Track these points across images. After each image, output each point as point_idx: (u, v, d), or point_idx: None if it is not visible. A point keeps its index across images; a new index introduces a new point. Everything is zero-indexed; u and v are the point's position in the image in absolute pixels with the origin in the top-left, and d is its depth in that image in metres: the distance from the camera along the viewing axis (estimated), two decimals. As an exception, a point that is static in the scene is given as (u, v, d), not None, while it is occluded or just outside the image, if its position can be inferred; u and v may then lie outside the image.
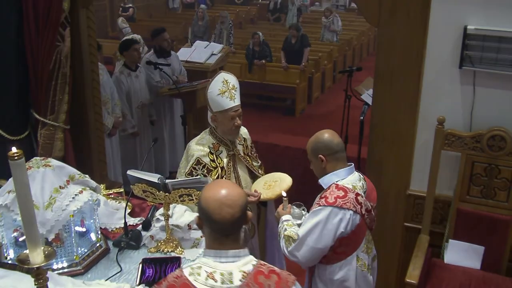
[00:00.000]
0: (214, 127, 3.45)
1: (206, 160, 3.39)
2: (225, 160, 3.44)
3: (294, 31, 9.89)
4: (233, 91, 3.33)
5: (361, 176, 2.99)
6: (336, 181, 2.87)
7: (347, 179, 2.88)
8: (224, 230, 1.99)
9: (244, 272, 1.96)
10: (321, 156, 2.88)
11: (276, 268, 2.04)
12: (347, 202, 2.77)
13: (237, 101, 3.35)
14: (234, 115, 3.34)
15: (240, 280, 1.94)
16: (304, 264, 2.96)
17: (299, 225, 3.00)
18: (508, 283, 3.50)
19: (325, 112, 9.46)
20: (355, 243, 2.91)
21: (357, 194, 2.83)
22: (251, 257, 2.04)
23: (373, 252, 3.09)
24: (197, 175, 3.33)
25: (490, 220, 3.59)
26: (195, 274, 1.96)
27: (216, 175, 3.39)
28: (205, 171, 3.37)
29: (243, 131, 3.66)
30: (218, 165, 3.42)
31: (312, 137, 2.97)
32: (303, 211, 3.15)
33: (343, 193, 2.80)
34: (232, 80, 3.36)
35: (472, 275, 3.54)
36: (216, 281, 1.93)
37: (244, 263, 1.99)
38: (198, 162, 3.39)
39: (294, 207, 3.15)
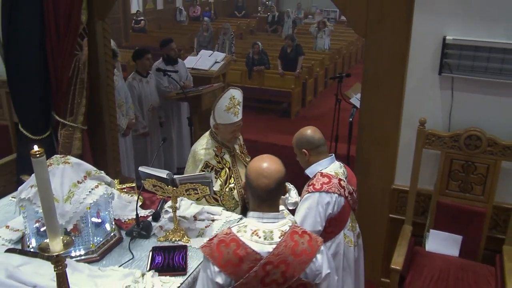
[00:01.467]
0: (215, 132, 3.44)
1: (213, 162, 3.39)
2: (229, 160, 3.44)
3: (290, 41, 9.89)
4: (238, 106, 3.33)
5: (341, 164, 3.05)
6: (320, 170, 2.92)
7: (330, 168, 2.94)
8: (260, 196, 2.14)
9: (282, 231, 2.10)
10: (304, 150, 2.96)
11: (307, 230, 2.20)
12: (332, 186, 2.84)
13: (239, 116, 3.35)
14: (235, 129, 3.37)
15: (279, 237, 2.09)
16: None
17: (293, 207, 3.06)
18: (484, 269, 3.49)
19: (318, 114, 9.45)
20: (341, 222, 2.97)
21: (340, 180, 2.89)
22: (288, 219, 2.19)
23: (357, 230, 3.14)
24: None
25: (467, 212, 3.58)
26: (242, 231, 2.11)
27: (225, 175, 3.38)
28: (214, 172, 3.37)
29: None
30: (224, 165, 3.41)
31: (296, 133, 3.03)
32: (289, 185, 3.15)
33: (327, 180, 2.86)
34: (238, 96, 3.35)
35: (451, 262, 3.54)
36: (259, 237, 2.08)
37: (282, 224, 2.14)
38: (207, 165, 3.38)
39: None
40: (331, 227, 2.90)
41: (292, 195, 3.21)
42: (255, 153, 3.85)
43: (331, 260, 2.27)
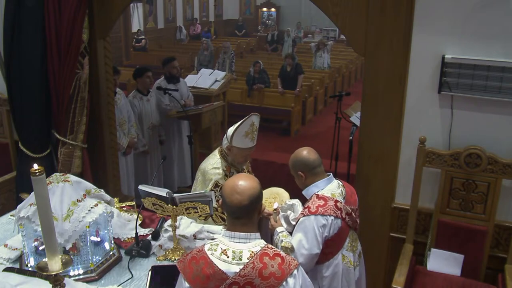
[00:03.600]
0: (225, 152, 3.45)
1: (223, 182, 3.38)
2: None
3: (290, 59, 9.94)
4: (255, 132, 3.38)
5: (340, 183, 3.01)
6: (316, 192, 2.90)
7: (326, 189, 2.91)
8: (233, 213, 2.16)
9: (252, 252, 2.10)
10: (299, 172, 2.93)
11: (282, 253, 2.17)
12: (328, 209, 2.80)
13: (255, 142, 3.40)
14: (248, 154, 3.41)
15: (248, 258, 2.08)
16: (305, 269, 2.93)
17: (295, 219, 2.97)
18: (485, 288, 3.46)
19: (318, 132, 9.47)
20: (339, 244, 2.92)
21: (336, 201, 2.85)
22: (262, 241, 2.18)
23: (358, 250, 3.09)
24: (217, 197, 3.32)
25: (468, 230, 3.56)
26: (212, 250, 2.14)
27: None
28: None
29: None
30: None
31: (292, 155, 3.00)
32: (291, 202, 3.09)
33: (323, 202, 2.83)
34: (257, 122, 3.39)
35: (453, 281, 3.50)
36: (228, 257, 2.10)
37: (254, 245, 2.14)
38: (216, 185, 3.40)
39: (283, 205, 3.09)
40: (328, 248, 2.86)
41: (296, 210, 3.09)
42: (254, 171, 3.86)
43: (309, 285, 2.22)
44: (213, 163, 3.48)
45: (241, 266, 2.07)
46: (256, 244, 2.14)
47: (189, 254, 2.17)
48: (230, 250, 2.11)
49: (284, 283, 2.07)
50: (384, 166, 3.79)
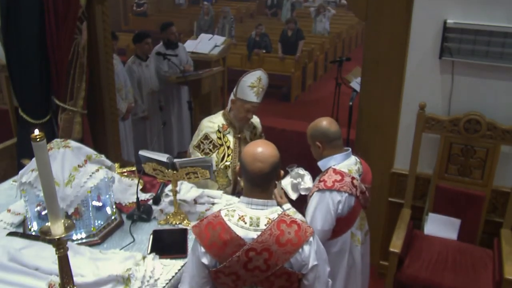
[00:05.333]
0: (228, 109, 3.45)
1: (214, 136, 3.40)
2: (231, 140, 3.44)
3: (292, 24, 9.84)
4: (261, 89, 3.35)
5: (358, 159, 2.91)
6: (334, 165, 2.80)
7: (344, 163, 2.80)
8: (253, 180, 2.13)
9: (269, 219, 2.10)
10: (317, 143, 2.82)
11: (298, 220, 2.15)
12: (344, 185, 2.71)
13: (259, 99, 3.37)
14: (250, 109, 3.36)
15: (265, 225, 2.08)
16: None
17: (305, 193, 2.94)
18: (481, 252, 3.51)
19: (318, 98, 9.42)
20: (350, 222, 2.86)
21: (353, 178, 2.76)
22: (278, 208, 2.18)
23: (365, 228, 3.05)
24: (203, 149, 3.36)
25: (466, 195, 3.59)
26: (229, 215, 2.12)
27: (223, 153, 3.40)
28: (211, 146, 3.39)
29: (256, 120, 3.68)
30: (224, 143, 3.42)
31: (312, 124, 2.88)
32: (297, 170, 3.03)
33: (340, 177, 2.73)
34: (265, 80, 3.37)
35: (449, 245, 3.56)
36: (245, 223, 2.09)
37: (271, 211, 2.13)
38: (206, 137, 3.40)
39: (289, 171, 3.03)
40: (339, 226, 2.79)
41: (306, 180, 3.04)
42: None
43: (323, 252, 2.22)
44: (211, 117, 3.51)
45: (259, 233, 2.07)
46: (273, 211, 2.14)
47: (204, 219, 2.17)
48: (247, 216, 2.10)
49: (300, 249, 2.09)
50: (383, 132, 3.79)
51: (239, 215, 2.11)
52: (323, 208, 2.71)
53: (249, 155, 2.14)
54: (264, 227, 2.08)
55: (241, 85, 3.31)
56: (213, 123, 3.45)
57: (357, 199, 2.80)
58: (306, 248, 2.10)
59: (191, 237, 2.75)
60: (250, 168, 2.12)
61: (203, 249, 2.11)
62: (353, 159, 2.87)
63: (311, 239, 2.12)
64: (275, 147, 2.20)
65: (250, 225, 2.09)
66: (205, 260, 2.11)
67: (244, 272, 2.10)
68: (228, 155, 3.41)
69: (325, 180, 2.74)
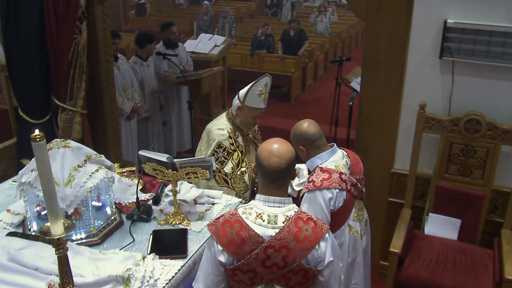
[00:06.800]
0: (233, 115, 3.44)
1: (227, 143, 3.39)
2: (242, 144, 3.45)
3: (296, 24, 9.86)
4: (267, 94, 3.37)
5: (345, 152, 2.94)
6: (320, 164, 2.83)
7: (330, 160, 2.84)
8: (269, 176, 2.15)
9: (287, 216, 2.12)
10: (301, 146, 2.87)
11: (314, 217, 2.18)
12: (333, 182, 2.75)
13: (265, 104, 3.39)
14: (258, 114, 3.38)
15: (283, 222, 2.11)
16: None
17: (300, 188, 2.96)
18: (482, 252, 3.51)
19: (318, 98, 9.42)
20: (344, 215, 2.89)
21: (341, 173, 2.79)
22: (294, 205, 2.20)
23: (364, 218, 3.06)
24: (218, 158, 3.35)
25: (466, 195, 3.59)
26: (247, 213, 2.15)
27: (237, 158, 3.40)
28: (226, 154, 3.38)
29: None
30: (237, 148, 3.42)
31: (292, 129, 2.93)
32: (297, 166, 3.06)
33: (327, 175, 2.76)
34: (269, 84, 3.39)
35: (449, 245, 3.56)
36: (263, 221, 2.12)
37: (287, 209, 2.16)
38: (219, 146, 3.39)
39: None
40: (334, 220, 2.81)
41: (302, 174, 3.09)
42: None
43: (337, 248, 2.25)
44: (218, 124, 3.47)
45: (277, 230, 2.09)
46: (290, 208, 2.16)
47: (220, 218, 2.18)
48: (265, 214, 2.12)
49: (317, 246, 2.11)
50: (383, 132, 3.79)
51: (256, 212, 2.13)
52: (316, 208, 2.74)
53: (266, 150, 2.16)
54: (282, 225, 2.10)
55: (250, 94, 3.30)
56: (222, 129, 3.43)
57: (349, 192, 2.83)
58: (322, 244, 2.13)
59: (191, 238, 2.75)
60: (266, 163, 2.13)
61: (220, 247, 2.12)
62: (339, 153, 2.90)
63: (326, 235, 2.15)
64: (290, 144, 2.23)
65: (268, 222, 2.11)
66: (222, 258, 2.13)
67: (262, 269, 2.12)
68: (243, 160, 3.41)
69: (313, 180, 2.78)
